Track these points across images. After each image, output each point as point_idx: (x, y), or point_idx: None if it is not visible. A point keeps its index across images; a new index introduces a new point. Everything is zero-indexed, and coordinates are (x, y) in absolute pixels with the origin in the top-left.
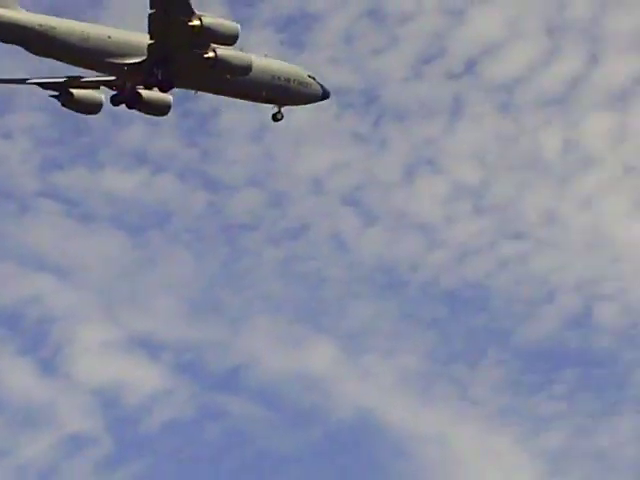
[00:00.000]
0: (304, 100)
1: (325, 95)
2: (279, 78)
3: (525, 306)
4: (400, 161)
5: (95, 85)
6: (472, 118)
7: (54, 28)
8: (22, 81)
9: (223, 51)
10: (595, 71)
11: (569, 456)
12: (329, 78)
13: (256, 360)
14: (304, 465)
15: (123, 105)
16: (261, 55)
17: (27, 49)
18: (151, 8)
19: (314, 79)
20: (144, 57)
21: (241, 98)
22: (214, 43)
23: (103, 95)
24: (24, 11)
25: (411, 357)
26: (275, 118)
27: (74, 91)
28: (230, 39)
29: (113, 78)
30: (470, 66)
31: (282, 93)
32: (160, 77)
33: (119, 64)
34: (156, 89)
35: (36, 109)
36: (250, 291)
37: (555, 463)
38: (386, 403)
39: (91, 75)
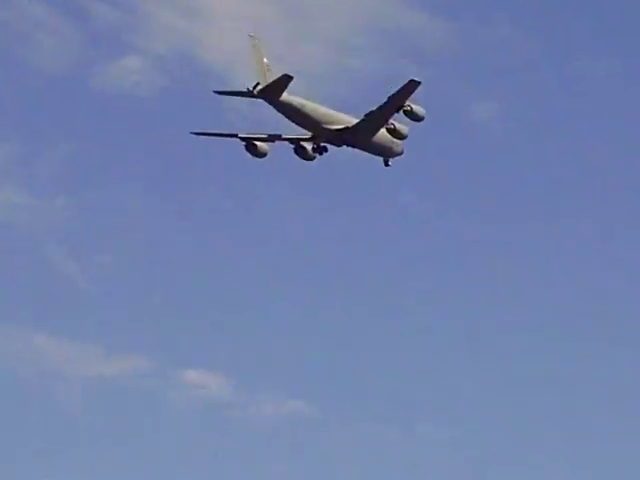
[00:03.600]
0: (396, 155)
1: (402, 152)
2: (392, 141)
3: None
4: None
5: (280, 140)
6: None
7: (304, 106)
8: (234, 135)
9: (398, 124)
10: None
11: None
12: None
13: None
14: None
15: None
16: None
17: (287, 118)
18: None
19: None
20: (344, 126)
21: (372, 153)
22: (413, 121)
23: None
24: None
25: None
26: (386, 164)
27: (257, 143)
28: (420, 119)
29: (308, 136)
30: None
31: (388, 150)
32: (347, 140)
33: (329, 129)
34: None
35: None
36: None
37: None
38: None
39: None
